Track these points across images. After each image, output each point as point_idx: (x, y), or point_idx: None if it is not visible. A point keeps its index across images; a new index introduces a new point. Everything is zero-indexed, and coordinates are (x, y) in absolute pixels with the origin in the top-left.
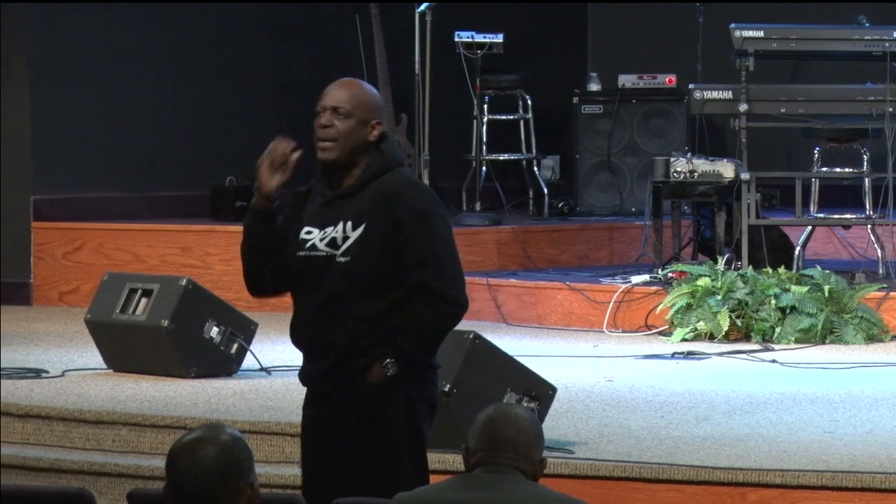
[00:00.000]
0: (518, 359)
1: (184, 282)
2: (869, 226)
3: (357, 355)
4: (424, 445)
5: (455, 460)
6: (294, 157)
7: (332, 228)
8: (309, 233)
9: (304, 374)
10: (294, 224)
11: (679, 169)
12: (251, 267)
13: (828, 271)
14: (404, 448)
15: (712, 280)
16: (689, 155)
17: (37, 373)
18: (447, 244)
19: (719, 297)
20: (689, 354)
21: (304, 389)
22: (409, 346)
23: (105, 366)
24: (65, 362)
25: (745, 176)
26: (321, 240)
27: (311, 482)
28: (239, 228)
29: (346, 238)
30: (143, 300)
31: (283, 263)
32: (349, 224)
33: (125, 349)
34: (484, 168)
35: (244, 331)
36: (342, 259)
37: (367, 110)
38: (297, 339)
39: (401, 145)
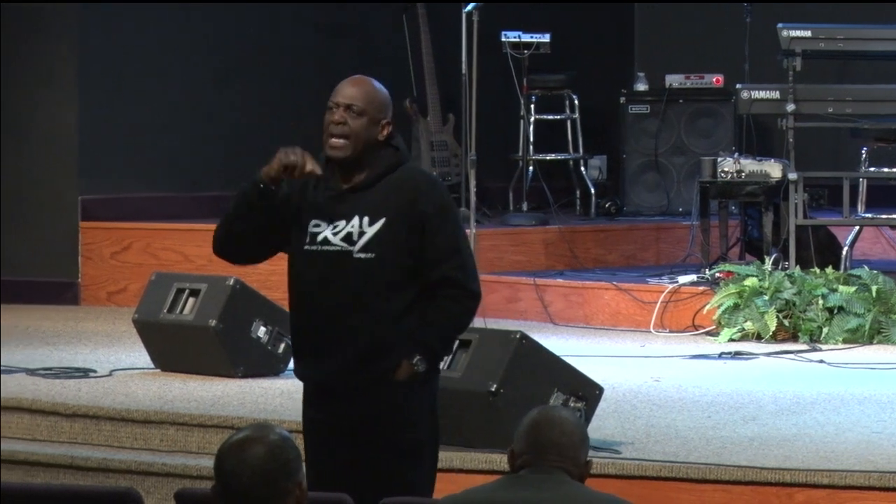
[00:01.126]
0: (565, 359)
1: (231, 281)
2: None
3: (381, 353)
4: (439, 442)
5: (501, 460)
6: (307, 171)
7: (344, 223)
8: (317, 226)
9: (314, 373)
10: (298, 211)
11: (726, 169)
12: (229, 230)
13: (875, 271)
14: (427, 444)
15: (760, 280)
16: (736, 155)
17: (84, 372)
18: (465, 237)
19: (766, 298)
20: (736, 355)
21: None
22: (437, 343)
23: (153, 365)
24: (112, 362)
25: (792, 176)
26: (334, 234)
27: (318, 483)
28: None
29: (362, 233)
30: (191, 300)
31: (263, 236)
32: (365, 219)
33: (173, 349)
34: (531, 168)
35: None
36: (362, 255)
37: (379, 109)
38: (308, 337)
39: (449, 146)
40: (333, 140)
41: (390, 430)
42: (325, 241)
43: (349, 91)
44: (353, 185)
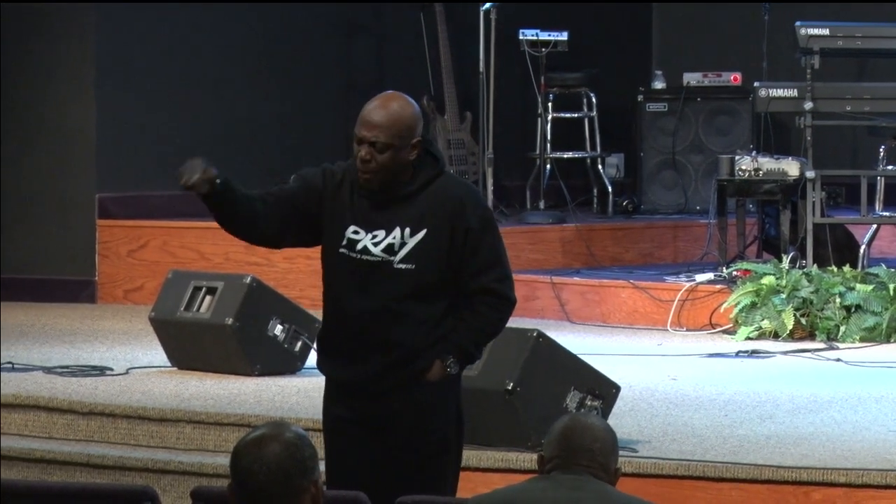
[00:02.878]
0: (582, 357)
1: (248, 280)
2: None
3: (414, 358)
4: (463, 443)
5: (518, 459)
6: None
7: (383, 233)
8: (356, 233)
9: (345, 374)
10: (333, 212)
11: (744, 167)
12: (238, 228)
13: (893, 270)
14: (453, 444)
15: (777, 278)
16: (754, 153)
17: (101, 370)
18: (503, 247)
19: (784, 296)
20: (753, 353)
21: None
22: (472, 347)
23: (169, 363)
24: (129, 360)
25: (810, 174)
26: (374, 244)
27: (342, 482)
28: None
29: (403, 244)
30: (208, 298)
31: (273, 209)
32: (407, 230)
33: (189, 347)
34: (548, 166)
35: (308, 329)
36: (403, 266)
37: (404, 136)
38: (342, 341)
39: (466, 144)
40: (361, 175)
41: (418, 429)
42: (365, 251)
43: (372, 124)
44: (394, 196)
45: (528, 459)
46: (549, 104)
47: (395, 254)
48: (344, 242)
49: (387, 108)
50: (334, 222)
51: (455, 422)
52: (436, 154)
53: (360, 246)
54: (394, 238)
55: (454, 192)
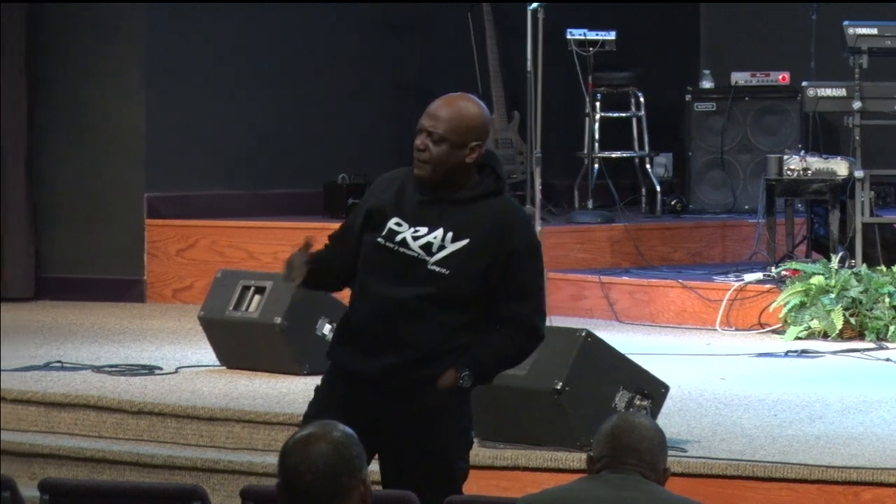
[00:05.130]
0: (630, 357)
1: None
2: None
3: (427, 362)
4: (467, 463)
5: (567, 459)
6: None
7: (426, 230)
8: (399, 224)
9: (355, 366)
10: (381, 207)
11: (792, 167)
12: (326, 291)
13: None
14: (455, 461)
15: (826, 278)
16: (802, 153)
17: (150, 370)
18: (544, 281)
19: (833, 296)
20: (802, 353)
21: None
22: (490, 367)
23: (218, 363)
24: (178, 359)
25: (858, 174)
26: (414, 238)
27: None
28: None
29: (442, 247)
30: (256, 297)
31: (346, 261)
32: (449, 234)
33: (238, 346)
34: (596, 165)
35: None
36: (437, 269)
37: (463, 133)
38: (360, 331)
39: (514, 144)
40: (416, 162)
41: (417, 435)
42: (404, 243)
43: (434, 115)
44: (443, 198)
45: (578, 459)
46: (597, 103)
47: (432, 254)
48: (384, 232)
49: (452, 103)
50: (375, 217)
51: (459, 436)
52: (500, 174)
53: (399, 238)
54: (434, 238)
55: (507, 213)
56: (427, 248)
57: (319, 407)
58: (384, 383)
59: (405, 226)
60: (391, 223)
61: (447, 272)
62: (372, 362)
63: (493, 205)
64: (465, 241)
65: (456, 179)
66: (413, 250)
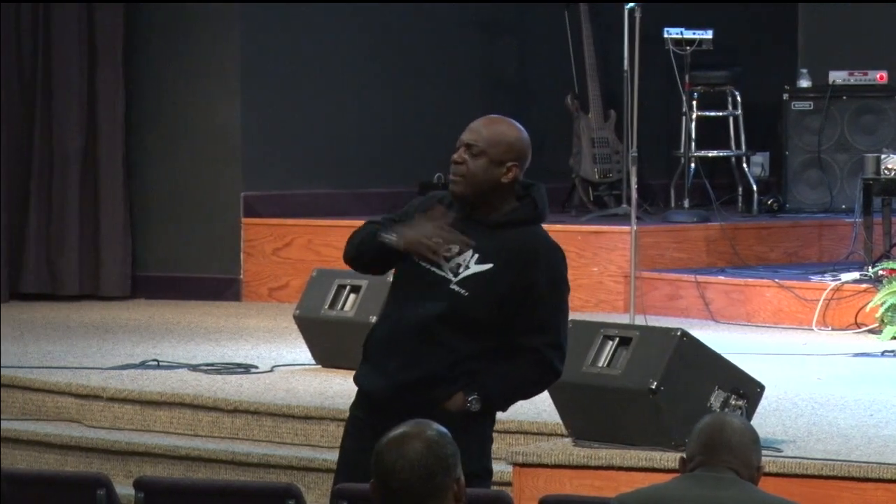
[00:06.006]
0: (726, 356)
1: (391, 279)
2: None
3: (433, 384)
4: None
5: (662, 458)
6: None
7: (456, 249)
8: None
9: (371, 382)
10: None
11: (890, 166)
12: (356, 258)
13: None
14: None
15: None
16: None
17: (246, 368)
18: (566, 316)
19: None
20: None
21: None
22: (499, 397)
23: (313, 361)
24: (274, 358)
25: None
26: (447, 259)
27: (343, 475)
28: None
29: (466, 268)
30: (352, 296)
31: (388, 261)
32: (475, 256)
33: (333, 345)
34: (693, 165)
35: None
36: (457, 289)
37: (502, 151)
38: (376, 346)
39: (610, 143)
40: (451, 176)
41: None
42: (437, 264)
43: (475, 130)
44: (480, 219)
45: (672, 459)
46: (694, 102)
47: (457, 274)
48: None
49: (494, 122)
50: None
51: (468, 466)
52: (539, 205)
53: None
54: (462, 259)
55: (536, 244)
56: (455, 269)
57: (353, 427)
58: (391, 403)
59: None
60: None
61: (466, 293)
62: (381, 382)
63: (523, 234)
64: (488, 266)
65: (492, 201)
66: (443, 270)
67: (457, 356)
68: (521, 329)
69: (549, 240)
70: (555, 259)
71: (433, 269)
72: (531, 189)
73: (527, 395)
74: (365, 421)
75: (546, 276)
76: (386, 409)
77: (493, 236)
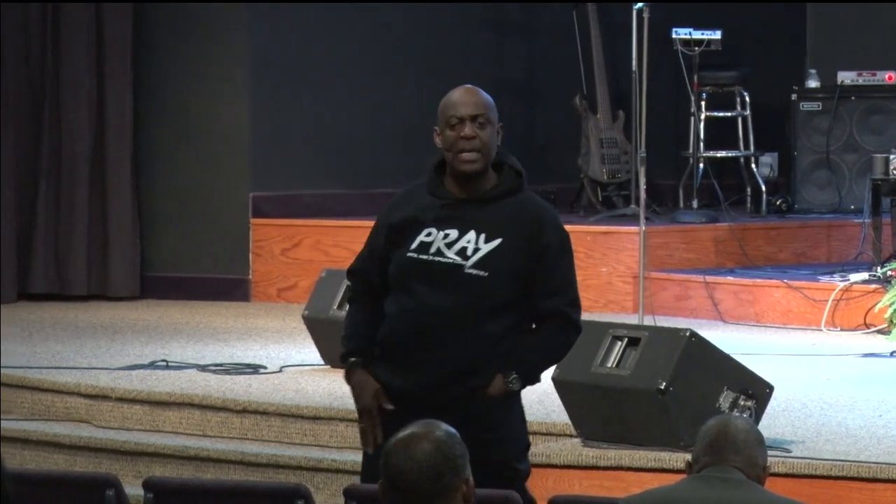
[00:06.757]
0: (735, 357)
1: None
2: None
3: (472, 372)
4: (528, 468)
5: (670, 459)
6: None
7: (456, 234)
8: (429, 235)
9: (401, 383)
10: (405, 222)
11: None
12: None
13: None
14: (516, 469)
15: None
16: None
17: (255, 368)
18: (575, 272)
19: None
20: None
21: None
22: (536, 368)
23: (322, 362)
24: (283, 358)
25: None
26: (447, 245)
27: (368, 477)
28: None
29: (476, 249)
30: None
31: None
32: (482, 236)
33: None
34: (701, 165)
35: None
36: (474, 272)
37: (496, 113)
38: (403, 346)
39: (619, 143)
40: (466, 155)
41: (473, 447)
42: (439, 253)
43: (471, 101)
44: (468, 197)
45: (681, 459)
46: (702, 103)
47: (468, 258)
48: (414, 246)
49: (473, 90)
50: (401, 232)
51: (515, 444)
52: (518, 169)
53: (432, 248)
54: (467, 241)
55: (534, 209)
56: (462, 252)
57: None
58: (429, 399)
59: (435, 233)
60: (421, 236)
61: (486, 274)
62: (416, 378)
63: (520, 201)
64: (498, 241)
65: (485, 174)
66: (448, 258)
67: (491, 339)
68: (541, 294)
69: (543, 201)
70: (556, 219)
71: (436, 259)
72: (503, 156)
73: (558, 359)
74: (396, 419)
75: (555, 237)
76: (419, 406)
77: (490, 211)
